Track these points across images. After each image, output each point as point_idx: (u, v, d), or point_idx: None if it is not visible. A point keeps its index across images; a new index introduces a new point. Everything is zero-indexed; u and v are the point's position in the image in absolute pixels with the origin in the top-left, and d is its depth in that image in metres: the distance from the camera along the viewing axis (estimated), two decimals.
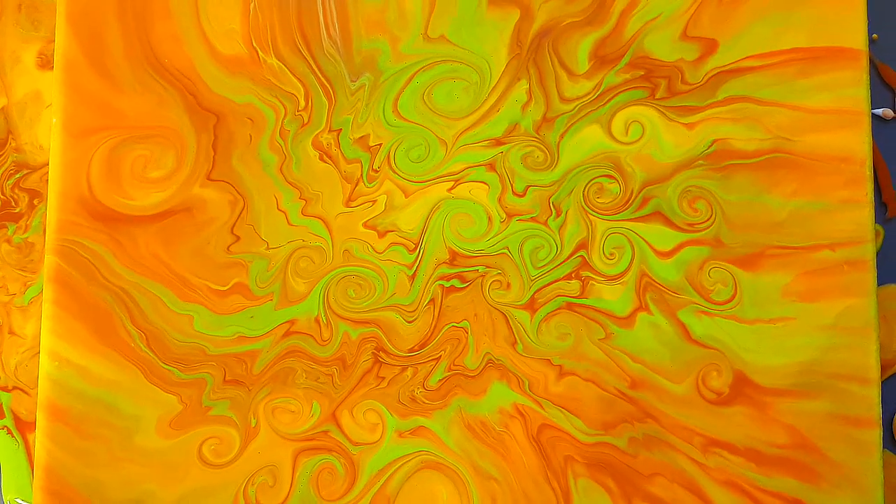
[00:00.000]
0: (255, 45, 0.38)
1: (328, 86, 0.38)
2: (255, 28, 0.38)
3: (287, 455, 0.37)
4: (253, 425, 0.37)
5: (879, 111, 0.44)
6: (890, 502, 0.42)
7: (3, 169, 0.40)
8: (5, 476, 0.39)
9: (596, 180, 0.38)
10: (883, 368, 0.43)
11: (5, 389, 0.39)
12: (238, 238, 0.37)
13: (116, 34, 0.38)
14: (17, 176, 0.40)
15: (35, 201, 0.40)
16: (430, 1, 0.38)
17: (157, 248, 0.37)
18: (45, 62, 0.40)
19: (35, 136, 0.40)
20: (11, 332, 0.39)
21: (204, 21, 0.38)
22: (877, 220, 0.44)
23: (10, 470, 0.39)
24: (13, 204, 0.40)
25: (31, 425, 0.39)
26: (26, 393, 0.39)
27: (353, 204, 0.38)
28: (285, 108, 0.38)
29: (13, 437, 0.39)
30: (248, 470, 0.37)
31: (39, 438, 0.36)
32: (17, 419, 0.39)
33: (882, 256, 0.43)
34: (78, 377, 0.36)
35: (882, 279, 0.43)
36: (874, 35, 0.44)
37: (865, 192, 0.38)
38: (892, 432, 0.43)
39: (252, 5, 0.38)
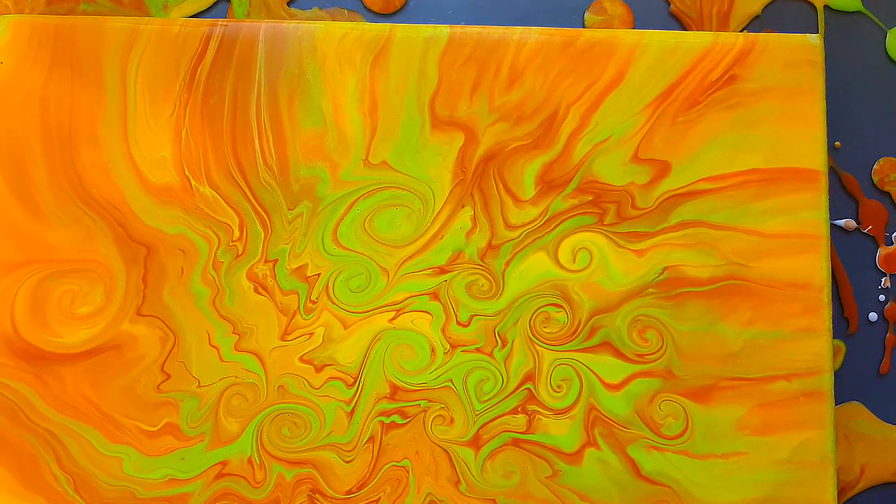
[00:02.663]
0: (187, 173, 0.37)
1: (264, 215, 0.37)
2: (187, 155, 0.37)
3: None
4: None
5: (842, 222, 0.42)
6: None
7: None
8: None
9: (543, 309, 0.37)
10: (844, 490, 0.42)
11: None
12: (168, 376, 0.36)
13: (41, 163, 0.36)
14: None
15: None
16: (371, 126, 0.37)
17: (85, 387, 0.36)
18: None
19: None
20: None
21: (133, 148, 0.37)
22: (839, 336, 0.42)
23: None
24: None
25: None
26: None
27: (290, 337, 0.36)
28: (219, 238, 0.37)
29: None
30: None
31: None
32: None
33: (843, 373, 0.42)
34: None
35: (844, 396, 0.42)
36: (836, 143, 0.43)
37: (823, 320, 0.37)
38: None
39: (184, 131, 0.37)
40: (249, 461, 0.36)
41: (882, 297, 0.42)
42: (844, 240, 0.43)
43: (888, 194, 0.43)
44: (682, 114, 0.38)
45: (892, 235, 0.43)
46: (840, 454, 0.42)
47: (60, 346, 0.36)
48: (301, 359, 0.36)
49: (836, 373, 0.42)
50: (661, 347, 0.37)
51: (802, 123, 0.38)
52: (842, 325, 0.42)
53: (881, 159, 0.43)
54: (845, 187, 0.43)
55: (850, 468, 0.42)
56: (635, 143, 0.38)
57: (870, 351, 0.42)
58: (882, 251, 0.43)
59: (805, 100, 0.38)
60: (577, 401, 0.37)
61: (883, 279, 0.42)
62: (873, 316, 0.42)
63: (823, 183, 0.38)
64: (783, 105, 0.38)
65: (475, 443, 0.36)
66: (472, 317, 0.37)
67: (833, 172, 0.43)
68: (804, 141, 0.38)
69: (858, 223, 0.43)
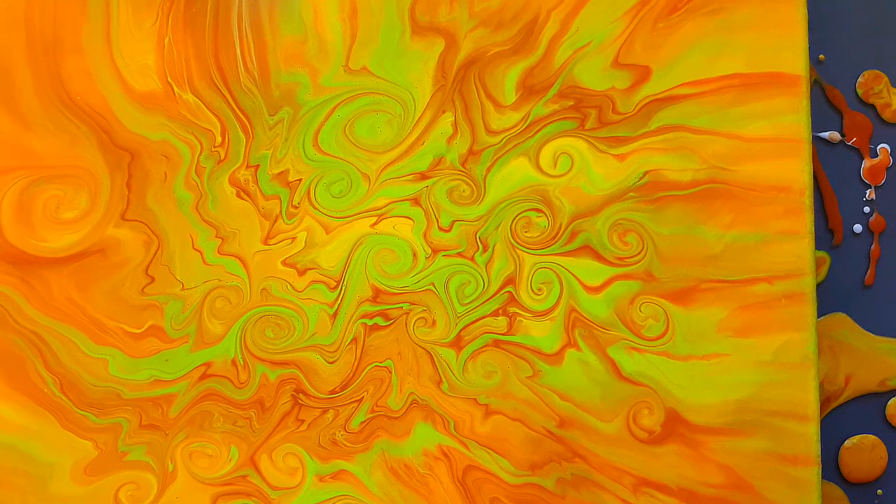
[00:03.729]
0: (170, 80, 0.37)
1: (246, 121, 0.37)
2: (169, 63, 0.37)
3: (205, 500, 0.36)
4: (170, 470, 0.36)
5: (825, 134, 0.42)
6: None
7: None
8: None
9: (523, 214, 0.37)
10: (829, 400, 0.42)
11: None
12: (153, 279, 0.36)
13: (25, 70, 0.37)
14: None
15: None
16: (351, 32, 0.37)
17: (71, 290, 0.36)
18: None
19: None
20: None
21: (117, 56, 0.37)
22: (823, 248, 0.42)
23: None
24: None
25: None
26: None
27: (272, 241, 0.37)
28: (201, 144, 0.37)
29: None
30: None
31: None
32: None
33: (828, 284, 0.42)
34: None
35: (828, 307, 0.42)
36: (821, 56, 0.43)
37: (805, 223, 0.37)
38: (838, 464, 0.42)
39: (166, 39, 0.37)
40: (233, 362, 0.36)
41: (867, 209, 0.42)
42: (829, 152, 0.43)
43: (872, 106, 0.43)
44: (663, 19, 0.38)
45: (877, 147, 0.43)
46: (825, 365, 0.42)
47: (46, 250, 0.36)
48: (284, 262, 0.37)
49: (820, 284, 0.42)
50: (642, 250, 0.37)
51: (783, 28, 0.38)
52: (826, 236, 0.43)
53: (866, 72, 0.43)
54: (829, 100, 0.43)
55: (834, 378, 0.42)
56: (616, 49, 0.38)
57: (855, 263, 0.43)
58: (866, 163, 0.43)
59: (786, 5, 0.38)
60: (557, 303, 0.37)
61: (867, 191, 0.43)
62: (858, 228, 0.42)
63: (804, 87, 0.37)
64: (764, 11, 0.38)
65: (457, 344, 0.37)
66: (453, 222, 0.37)
67: (817, 85, 0.43)
68: (785, 46, 0.38)
69: (843, 136, 0.43)
